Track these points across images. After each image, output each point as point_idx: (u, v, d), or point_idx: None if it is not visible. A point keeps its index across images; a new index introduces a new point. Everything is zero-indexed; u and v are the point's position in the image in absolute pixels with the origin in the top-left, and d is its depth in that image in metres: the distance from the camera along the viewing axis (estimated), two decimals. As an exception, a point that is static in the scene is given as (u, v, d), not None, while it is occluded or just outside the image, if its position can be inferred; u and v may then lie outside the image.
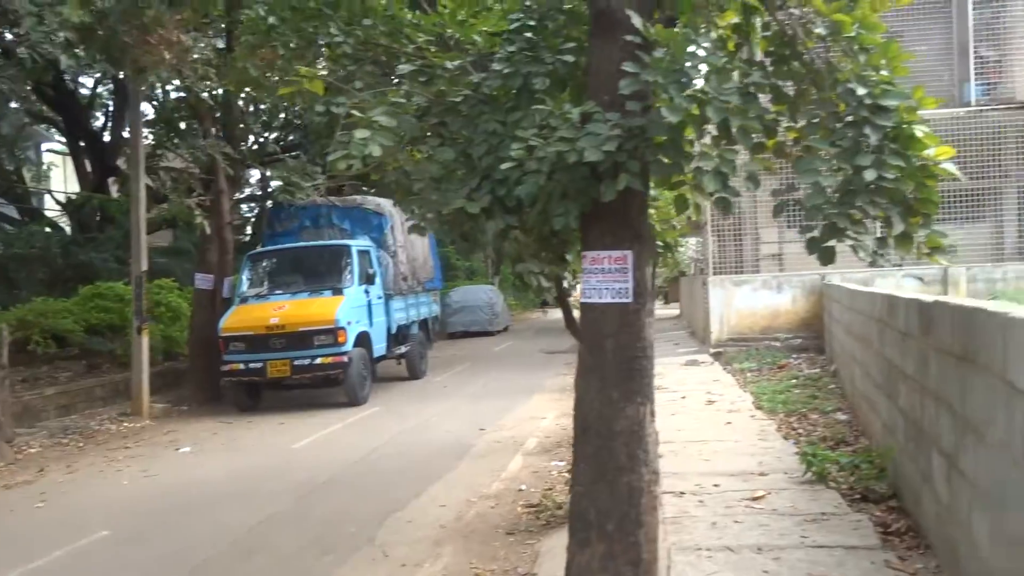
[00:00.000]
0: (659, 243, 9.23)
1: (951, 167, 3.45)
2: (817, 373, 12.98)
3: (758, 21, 4.04)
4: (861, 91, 3.22)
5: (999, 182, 17.26)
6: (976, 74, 16.96)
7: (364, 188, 19.87)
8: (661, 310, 41.15)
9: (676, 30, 3.69)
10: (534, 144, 3.86)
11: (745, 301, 17.35)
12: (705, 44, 3.55)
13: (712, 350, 17.08)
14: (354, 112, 4.36)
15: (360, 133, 4.05)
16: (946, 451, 4.45)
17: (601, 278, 4.11)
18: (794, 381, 12.48)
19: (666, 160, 3.62)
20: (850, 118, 3.39)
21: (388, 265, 15.62)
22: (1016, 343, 3.07)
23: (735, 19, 4.15)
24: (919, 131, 3.23)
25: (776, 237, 18.89)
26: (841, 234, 3.25)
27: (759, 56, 4.05)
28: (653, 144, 3.64)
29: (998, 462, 3.41)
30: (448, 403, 13.81)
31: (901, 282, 17.08)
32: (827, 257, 3.34)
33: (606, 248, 4.09)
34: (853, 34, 3.42)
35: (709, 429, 9.19)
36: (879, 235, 3.38)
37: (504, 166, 3.88)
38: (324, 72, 5.31)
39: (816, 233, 3.35)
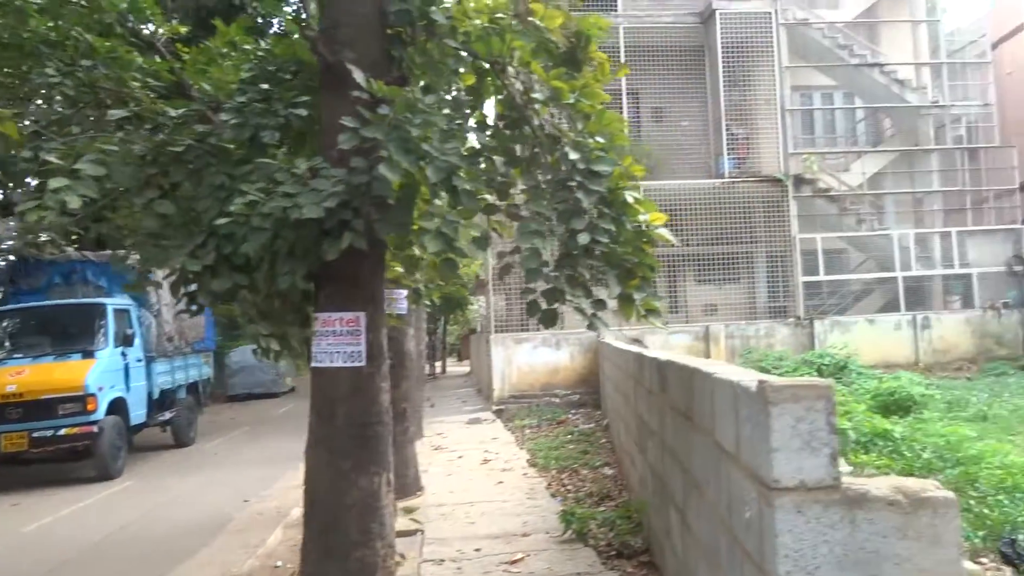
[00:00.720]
0: (431, 301, 9.20)
1: (666, 233, 3.58)
2: (591, 428, 13.36)
3: (493, 85, 4.08)
4: (574, 156, 3.27)
5: (751, 247, 18.92)
6: (729, 149, 18.60)
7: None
8: (453, 367, 41.35)
9: (405, 88, 3.62)
10: (255, 199, 3.62)
11: (526, 358, 17.69)
12: (430, 103, 3.48)
13: (495, 407, 17.21)
14: (51, 159, 3.91)
15: (56, 182, 3.63)
16: (680, 506, 4.57)
17: (332, 341, 3.90)
18: (569, 437, 12.76)
19: (392, 220, 3.50)
20: (574, 183, 3.44)
21: (151, 325, 14.47)
22: (721, 403, 3.17)
23: (472, 82, 4.16)
24: (630, 196, 3.31)
25: (556, 296, 19.53)
26: (561, 297, 3.25)
27: (494, 119, 4.08)
28: (380, 202, 3.52)
29: (714, 520, 3.51)
30: (215, 472, 12.86)
31: (669, 339, 18.17)
32: (549, 320, 3.34)
33: (337, 309, 3.89)
34: (572, 101, 3.48)
35: (481, 489, 9.11)
36: (599, 298, 3.42)
37: (221, 221, 3.60)
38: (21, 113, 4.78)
39: (538, 296, 3.34)
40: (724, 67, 18.46)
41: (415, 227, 3.60)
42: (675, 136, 19.57)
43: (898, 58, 20.00)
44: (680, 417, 4.38)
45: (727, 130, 18.64)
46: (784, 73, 18.73)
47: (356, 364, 3.88)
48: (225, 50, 4.74)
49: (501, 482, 9.44)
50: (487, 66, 3.84)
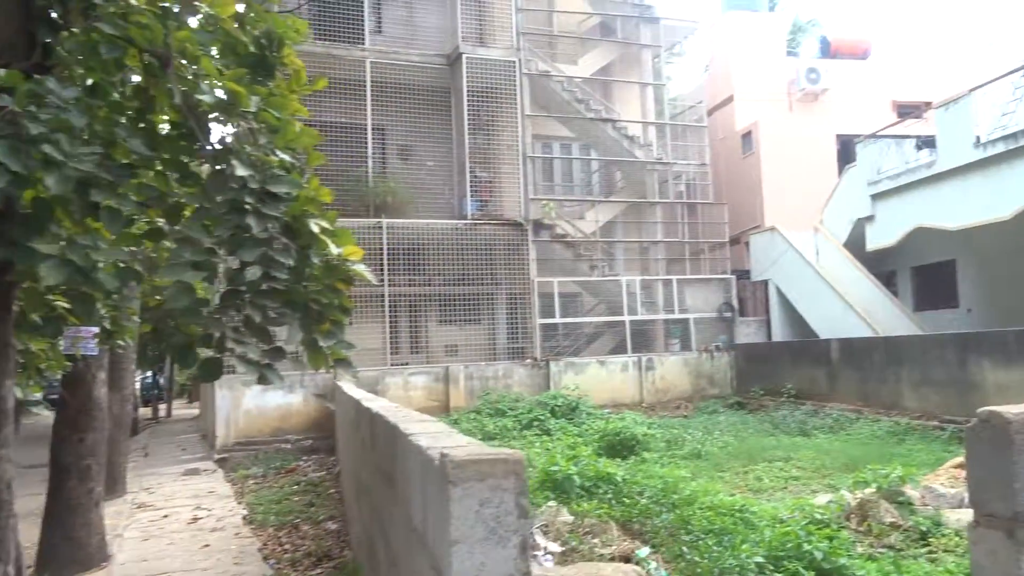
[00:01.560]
0: (124, 342, 8.02)
1: (364, 270, 3.09)
2: (321, 477, 12.55)
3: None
4: (243, 172, 2.69)
5: (493, 288, 19.12)
6: (472, 191, 18.74)
7: None
8: (183, 410, 38.04)
9: (33, 76, 2.86)
10: None
11: (255, 401, 16.47)
12: (69, 97, 2.75)
13: (218, 456, 15.77)
14: None
15: None
16: (384, 579, 4.06)
17: (-73, 397, 2.98)
18: (296, 487, 11.87)
19: (10, 241, 2.71)
20: (248, 205, 2.85)
21: None
22: (413, 472, 2.71)
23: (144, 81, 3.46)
24: (316, 225, 2.79)
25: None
26: (221, 345, 2.64)
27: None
28: (-6, 218, 2.72)
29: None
30: None
31: (409, 380, 17.79)
32: (209, 373, 2.71)
33: (-64, 356, 2.99)
34: (254, 109, 2.91)
35: (182, 555, 8.02)
36: (276, 346, 2.84)
37: None
38: None
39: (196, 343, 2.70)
40: (469, 111, 18.65)
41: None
42: (421, 175, 19.45)
43: (629, 116, 21.38)
44: (384, 479, 3.89)
45: (471, 173, 18.80)
46: (526, 121, 19.28)
47: (-39, 427, 2.99)
48: None
49: (207, 545, 8.39)
50: (156, 64, 3.17)
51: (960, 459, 9.89)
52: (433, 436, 2.72)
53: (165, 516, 10.11)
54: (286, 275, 2.68)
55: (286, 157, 2.91)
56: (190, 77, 2.91)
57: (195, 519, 9.85)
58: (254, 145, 2.84)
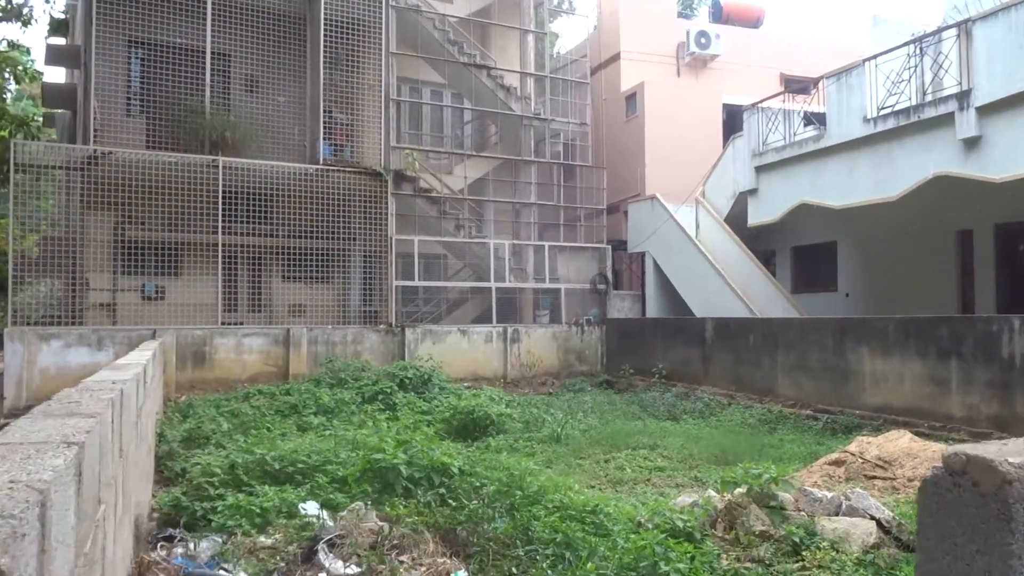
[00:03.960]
0: None
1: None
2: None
3: None
4: None
5: (347, 244, 17.10)
6: (327, 134, 16.64)
7: None
8: None
9: None
10: None
11: (54, 358, 14.02)
12: None
13: (5, 420, 13.27)
14: None
15: None
16: None
17: None
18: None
19: None
20: None
21: None
22: None
23: None
24: None
25: (109, 284, 16.00)
26: None
27: None
28: None
29: None
30: None
31: (243, 342, 15.66)
32: None
33: None
34: None
35: None
36: None
37: None
38: None
39: None
40: (327, 43, 16.51)
41: None
42: (269, 112, 17.15)
43: (506, 66, 19.68)
44: None
45: (327, 113, 16.68)
46: (391, 60, 17.29)
47: None
48: None
49: None
50: None
51: (836, 455, 8.79)
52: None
53: None
54: None
55: None
56: None
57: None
58: None
